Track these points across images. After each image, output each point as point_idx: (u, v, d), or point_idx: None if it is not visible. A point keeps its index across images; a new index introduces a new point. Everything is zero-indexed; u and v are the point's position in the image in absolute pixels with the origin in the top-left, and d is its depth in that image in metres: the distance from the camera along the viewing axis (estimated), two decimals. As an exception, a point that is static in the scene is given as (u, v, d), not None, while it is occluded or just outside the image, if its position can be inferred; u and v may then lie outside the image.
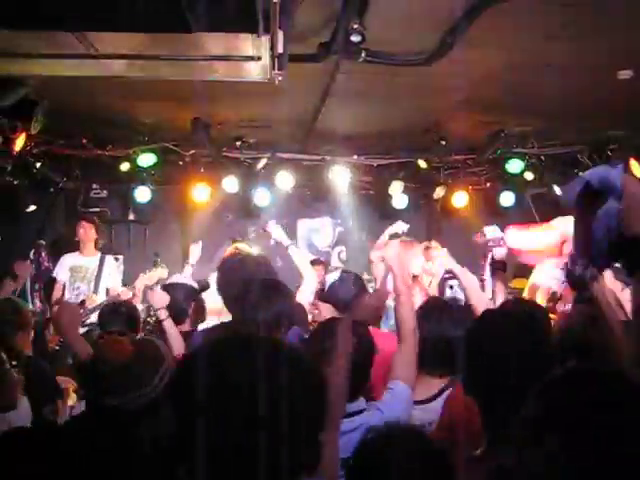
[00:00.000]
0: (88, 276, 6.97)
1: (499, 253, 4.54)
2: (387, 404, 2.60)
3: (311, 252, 7.08)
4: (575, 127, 6.87)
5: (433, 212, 8.71)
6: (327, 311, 3.87)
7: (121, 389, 2.02)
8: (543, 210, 8.13)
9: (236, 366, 1.24)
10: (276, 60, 3.61)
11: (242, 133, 7.27)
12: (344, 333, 2.11)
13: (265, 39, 3.32)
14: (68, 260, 7.05)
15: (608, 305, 2.58)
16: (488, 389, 2.20)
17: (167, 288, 4.31)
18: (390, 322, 4.02)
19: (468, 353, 2.35)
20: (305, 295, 4.21)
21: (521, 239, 4.52)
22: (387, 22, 4.16)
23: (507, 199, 8.19)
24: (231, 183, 7.88)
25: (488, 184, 8.49)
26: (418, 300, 4.77)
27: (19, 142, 5.80)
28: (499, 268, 4.58)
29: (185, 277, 4.82)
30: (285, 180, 7.88)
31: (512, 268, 5.94)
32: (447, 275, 4.51)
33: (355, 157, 8.02)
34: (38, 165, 7.07)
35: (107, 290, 6.92)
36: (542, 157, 7.78)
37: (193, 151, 7.62)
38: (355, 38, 4.03)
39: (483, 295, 4.19)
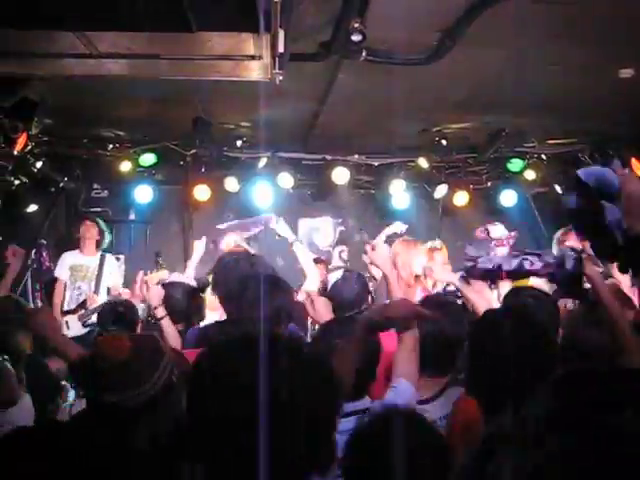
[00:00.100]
0: (89, 275, 6.97)
1: (502, 253, 4.54)
2: (391, 402, 2.60)
3: (312, 251, 7.07)
4: (576, 126, 6.87)
5: (434, 211, 8.70)
6: (323, 306, 3.87)
7: (120, 386, 2.01)
8: (544, 209, 8.16)
9: (249, 366, 1.23)
10: (277, 59, 3.62)
11: (243, 132, 7.27)
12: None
13: (266, 38, 3.32)
14: (68, 259, 7.05)
15: (615, 306, 2.57)
16: (490, 389, 2.20)
17: (165, 287, 4.31)
18: None
19: (470, 353, 2.35)
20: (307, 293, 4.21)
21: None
22: (387, 22, 4.16)
23: (508, 198, 8.18)
24: (232, 182, 7.89)
25: (489, 183, 8.48)
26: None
27: (20, 142, 5.80)
28: None
29: (186, 276, 4.82)
30: (286, 179, 7.88)
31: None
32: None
33: (356, 156, 8.01)
34: (39, 165, 7.07)
35: (108, 289, 6.92)
36: (543, 156, 7.78)
37: (194, 151, 7.62)
38: (356, 37, 4.03)
39: (490, 301, 4.17)
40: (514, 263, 3.36)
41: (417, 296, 5.09)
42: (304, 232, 8.61)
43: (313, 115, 6.43)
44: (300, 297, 4.11)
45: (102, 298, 6.69)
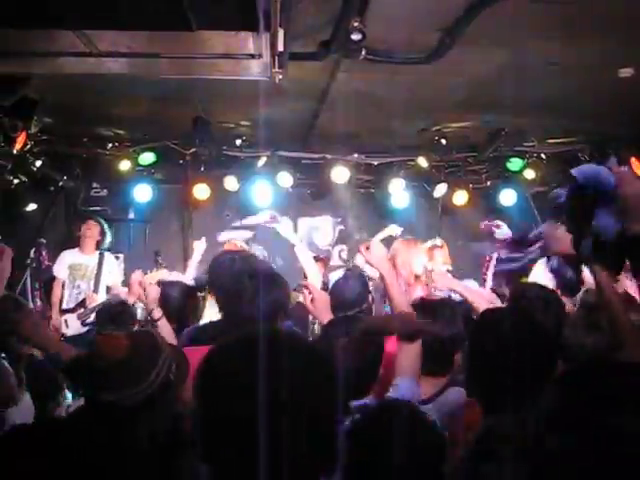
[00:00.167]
0: (88, 274, 6.97)
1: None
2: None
3: (311, 250, 7.07)
4: (576, 125, 6.87)
5: (434, 210, 8.70)
6: (322, 299, 3.87)
7: (118, 385, 2.01)
8: (544, 208, 8.15)
9: (255, 365, 1.23)
10: (276, 58, 3.61)
11: (242, 131, 7.27)
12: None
13: (266, 37, 3.32)
14: (67, 257, 7.05)
15: (619, 309, 2.57)
16: (490, 389, 2.20)
17: (162, 285, 4.30)
18: None
19: (470, 353, 2.35)
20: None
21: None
22: (387, 21, 4.16)
23: (508, 197, 8.18)
24: (231, 182, 7.89)
25: (489, 182, 8.48)
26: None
27: (19, 141, 5.80)
28: None
29: (187, 276, 4.82)
30: (285, 179, 7.88)
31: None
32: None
33: (355, 156, 8.01)
34: (38, 164, 7.06)
35: (107, 288, 6.92)
36: (543, 155, 7.78)
37: (193, 150, 7.62)
38: (355, 36, 4.03)
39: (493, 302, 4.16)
40: None
41: (417, 295, 5.11)
42: (304, 231, 8.61)
43: (313, 114, 6.42)
44: (301, 298, 4.11)
45: (101, 297, 6.69)
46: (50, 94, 5.49)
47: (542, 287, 3.40)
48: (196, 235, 7.75)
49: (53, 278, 6.97)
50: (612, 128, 6.86)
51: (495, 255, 4.92)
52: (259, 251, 6.17)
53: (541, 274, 4.64)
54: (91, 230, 7.06)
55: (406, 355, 2.74)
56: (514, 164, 7.82)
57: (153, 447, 1.99)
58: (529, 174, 7.86)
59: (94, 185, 8.18)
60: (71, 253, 7.09)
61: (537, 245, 4.65)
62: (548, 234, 2.81)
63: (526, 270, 4.69)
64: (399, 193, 8.20)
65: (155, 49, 3.62)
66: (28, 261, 6.91)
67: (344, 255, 8.32)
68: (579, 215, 2.13)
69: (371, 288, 4.70)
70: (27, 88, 5.08)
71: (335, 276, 4.07)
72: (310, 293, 3.54)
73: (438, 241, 6.25)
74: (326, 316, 3.30)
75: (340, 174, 7.88)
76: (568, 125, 6.88)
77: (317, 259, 6.86)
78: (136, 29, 3.32)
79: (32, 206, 7.46)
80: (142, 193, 7.87)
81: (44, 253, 7.11)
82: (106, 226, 7.23)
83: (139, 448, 1.98)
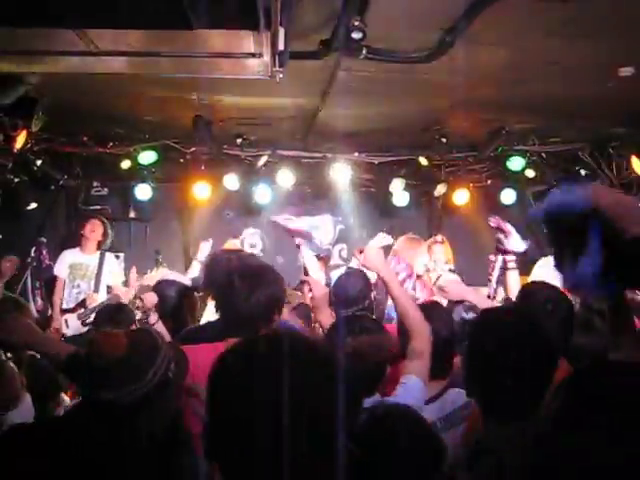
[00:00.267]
0: (89, 274, 6.97)
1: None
2: (400, 397, 2.61)
3: (312, 249, 7.06)
4: (576, 124, 6.86)
5: (434, 209, 8.71)
6: (321, 293, 3.87)
7: (116, 383, 2.01)
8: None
9: (265, 366, 1.23)
10: (277, 57, 3.61)
11: (243, 130, 7.26)
12: None
13: (266, 36, 3.32)
14: (68, 257, 7.05)
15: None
16: (489, 390, 2.19)
17: (159, 284, 4.30)
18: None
19: (469, 354, 2.35)
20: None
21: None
22: (388, 19, 4.15)
23: (508, 197, 8.18)
24: (232, 180, 7.88)
25: (489, 181, 8.48)
26: (422, 298, 4.76)
27: (20, 140, 5.80)
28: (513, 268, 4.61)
29: (189, 276, 4.82)
30: (286, 177, 7.88)
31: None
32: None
33: (356, 154, 8.01)
34: (39, 163, 7.06)
35: (108, 288, 6.92)
36: (543, 154, 7.77)
37: (194, 149, 7.62)
38: (356, 35, 4.03)
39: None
40: None
41: (419, 294, 5.10)
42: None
43: (313, 113, 6.42)
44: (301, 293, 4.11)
45: (102, 297, 6.68)
46: (50, 93, 5.49)
47: (550, 287, 3.36)
48: (196, 234, 7.77)
49: (54, 277, 6.98)
50: (612, 127, 6.86)
51: (500, 257, 4.92)
52: (254, 236, 6.16)
53: (546, 273, 4.63)
54: (96, 232, 7.05)
55: (415, 352, 2.74)
56: (514, 163, 7.81)
57: (152, 445, 1.99)
58: (529, 173, 7.86)
59: (95, 184, 8.19)
60: (72, 253, 7.09)
61: None
62: None
63: None
64: (399, 192, 8.20)
65: (155, 48, 3.61)
66: (29, 260, 6.92)
67: (344, 254, 8.32)
68: (557, 245, 2.11)
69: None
70: (27, 87, 5.08)
71: (336, 274, 4.06)
72: (310, 290, 3.54)
73: (439, 237, 6.25)
74: (325, 312, 3.30)
75: (340, 173, 7.88)
76: (568, 124, 6.88)
77: (318, 258, 6.87)
78: (136, 28, 3.32)
79: (32, 205, 7.46)
80: (142, 192, 7.87)
81: (45, 252, 7.11)
82: (109, 226, 7.23)
83: (138, 446, 1.98)
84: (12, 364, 3.17)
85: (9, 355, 3.19)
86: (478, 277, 5.59)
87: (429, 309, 3.20)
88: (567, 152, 7.64)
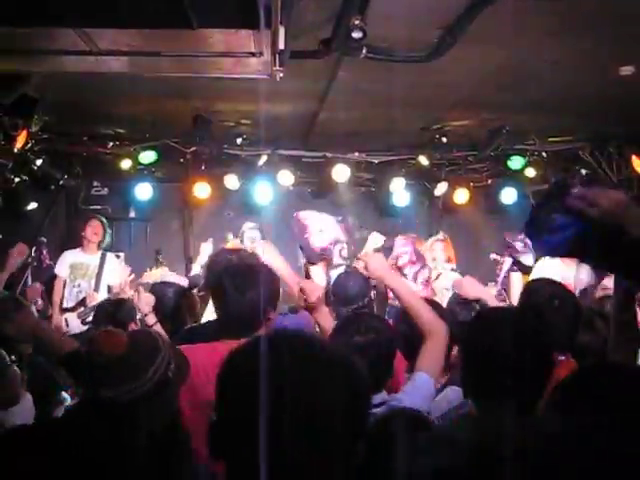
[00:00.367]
0: (89, 273, 6.97)
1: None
2: (408, 394, 2.61)
3: (312, 248, 7.08)
4: (577, 123, 6.86)
5: (434, 209, 8.71)
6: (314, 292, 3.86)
7: (116, 381, 2.02)
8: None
9: (271, 365, 1.23)
10: (277, 56, 3.60)
11: (243, 130, 7.26)
12: None
13: (266, 35, 3.31)
14: (69, 257, 7.05)
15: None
16: (486, 390, 2.19)
17: (157, 287, 4.29)
18: None
19: (466, 353, 2.35)
20: None
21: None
22: (388, 19, 4.16)
23: (508, 196, 8.18)
24: (232, 180, 7.89)
25: (489, 181, 8.48)
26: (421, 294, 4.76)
27: (20, 139, 5.80)
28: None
29: (181, 276, 4.82)
30: (286, 177, 7.88)
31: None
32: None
33: (356, 154, 8.01)
34: (39, 162, 7.06)
35: (108, 288, 6.92)
36: (544, 154, 7.77)
37: (194, 148, 7.62)
38: (356, 35, 4.03)
39: None
40: None
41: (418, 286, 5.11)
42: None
43: (313, 112, 6.42)
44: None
45: (102, 296, 6.68)
46: (50, 92, 5.48)
47: (554, 283, 3.35)
48: (197, 234, 7.78)
49: (55, 277, 6.97)
50: (613, 126, 6.86)
51: (508, 259, 4.96)
52: (253, 231, 6.17)
53: (547, 272, 4.64)
54: (97, 235, 7.05)
55: (429, 351, 2.75)
56: (515, 162, 7.82)
57: (152, 444, 2.00)
58: (530, 172, 7.85)
59: (95, 184, 8.19)
60: (73, 253, 7.09)
61: None
62: None
63: None
64: (400, 191, 8.20)
65: (155, 47, 3.61)
66: (29, 260, 6.91)
67: (345, 253, 8.32)
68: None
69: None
70: (27, 86, 5.08)
71: (336, 273, 4.07)
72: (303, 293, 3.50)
73: (440, 234, 6.26)
74: (322, 311, 3.28)
75: (341, 172, 7.88)
76: (569, 123, 6.88)
77: (320, 259, 6.87)
78: (136, 27, 3.31)
79: (33, 205, 7.46)
80: (143, 192, 7.88)
81: (45, 252, 7.11)
82: (106, 224, 7.22)
83: (138, 444, 1.98)
84: (15, 367, 3.18)
85: (13, 358, 3.19)
86: (478, 276, 5.58)
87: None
88: (567, 151, 7.65)
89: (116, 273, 7.11)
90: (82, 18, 3.16)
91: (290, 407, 1.20)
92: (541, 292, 3.17)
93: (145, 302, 3.91)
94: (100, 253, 7.08)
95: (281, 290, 3.82)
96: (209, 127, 6.78)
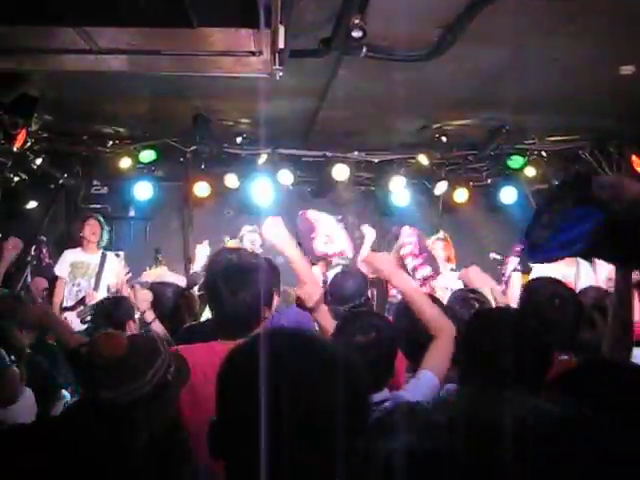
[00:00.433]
0: (89, 272, 6.96)
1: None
2: (409, 391, 2.61)
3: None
4: (577, 122, 6.86)
5: (434, 208, 8.70)
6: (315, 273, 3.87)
7: (116, 382, 2.02)
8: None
9: (270, 364, 1.23)
10: (277, 55, 3.61)
11: (243, 129, 7.26)
12: None
13: (266, 34, 3.32)
14: (69, 256, 7.05)
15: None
16: (484, 387, 2.19)
17: (155, 287, 4.29)
18: None
19: (464, 353, 2.35)
20: None
21: None
22: (388, 18, 4.16)
23: (508, 195, 8.18)
24: (232, 179, 7.88)
25: (489, 180, 8.48)
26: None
27: (20, 138, 5.80)
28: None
29: (179, 276, 4.82)
30: (286, 176, 7.87)
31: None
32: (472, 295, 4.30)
33: (356, 153, 8.01)
34: (38, 161, 7.05)
35: (108, 287, 6.92)
36: (543, 153, 7.77)
37: (194, 147, 7.61)
38: (356, 34, 4.03)
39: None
40: None
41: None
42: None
43: (313, 112, 6.42)
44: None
45: (102, 295, 6.68)
46: (50, 91, 5.48)
47: (555, 282, 3.34)
48: (196, 233, 7.77)
49: (55, 277, 6.97)
50: (613, 125, 6.85)
51: (514, 259, 4.97)
52: (252, 234, 6.17)
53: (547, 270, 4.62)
54: (95, 235, 7.04)
55: (436, 350, 2.74)
56: (515, 162, 7.81)
57: (151, 446, 2.00)
58: (530, 172, 7.84)
59: (94, 183, 8.18)
60: (73, 252, 7.08)
61: None
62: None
63: None
64: (400, 191, 8.19)
65: (155, 46, 3.61)
66: (28, 259, 6.91)
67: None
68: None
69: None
70: (27, 85, 5.08)
71: (333, 272, 4.07)
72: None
73: (441, 233, 6.26)
74: (321, 310, 3.27)
75: (341, 172, 7.87)
76: (569, 122, 6.88)
77: (320, 259, 6.87)
78: (136, 26, 3.32)
79: (32, 204, 7.46)
80: (142, 191, 7.87)
81: (44, 251, 7.10)
82: (104, 223, 7.21)
83: (137, 445, 1.98)
84: (15, 367, 3.18)
85: (12, 358, 3.19)
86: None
87: None
88: (567, 150, 7.64)
89: (116, 272, 7.13)
90: (82, 17, 3.17)
91: (290, 406, 1.20)
92: (542, 291, 3.16)
93: (142, 299, 3.90)
94: (100, 252, 7.08)
95: (282, 289, 3.83)
96: (209, 126, 6.78)
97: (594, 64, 4.94)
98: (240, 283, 2.80)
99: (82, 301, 6.65)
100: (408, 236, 5.22)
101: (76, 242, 7.17)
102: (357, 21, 3.97)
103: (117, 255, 7.53)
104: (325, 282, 4.75)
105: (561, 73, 5.14)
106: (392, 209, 8.37)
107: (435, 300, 3.42)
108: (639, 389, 1.33)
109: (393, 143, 7.87)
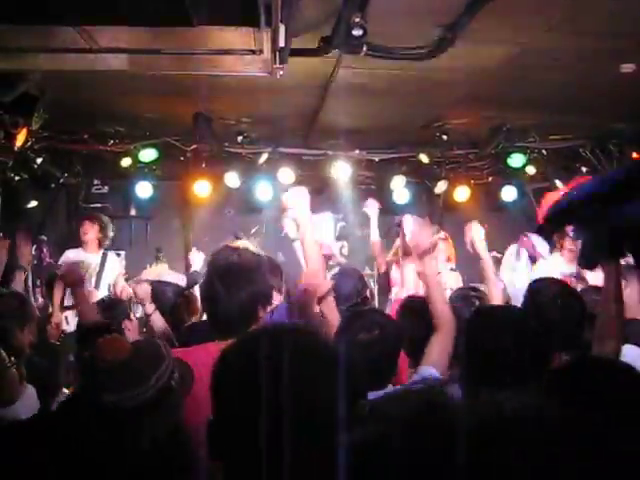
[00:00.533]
0: (90, 272, 6.96)
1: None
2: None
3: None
4: (577, 121, 6.86)
5: (435, 207, 8.70)
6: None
7: (119, 386, 2.02)
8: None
9: (264, 364, 1.23)
10: (277, 54, 3.61)
11: (243, 128, 7.26)
12: None
13: (267, 33, 3.32)
14: (70, 256, 7.04)
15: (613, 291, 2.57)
16: (486, 386, 2.19)
17: (154, 286, 4.29)
18: None
19: (466, 351, 2.35)
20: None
21: None
22: (388, 16, 4.15)
23: (509, 194, 8.18)
24: (233, 178, 7.88)
25: (490, 178, 8.48)
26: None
27: (20, 137, 5.79)
28: None
29: (179, 275, 4.82)
30: (287, 175, 7.87)
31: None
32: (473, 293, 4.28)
33: (357, 152, 8.01)
34: (39, 161, 7.05)
35: (109, 286, 6.92)
36: (544, 151, 7.77)
37: (194, 146, 7.61)
38: (356, 32, 4.02)
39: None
40: None
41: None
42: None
43: (314, 110, 6.42)
44: None
45: (102, 294, 6.68)
46: (50, 90, 5.48)
47: (557, 282, 3.34)
48: (197, 232, 7.77)
49: (55, 276, 6.96)
50: (613, 124, 6.85)
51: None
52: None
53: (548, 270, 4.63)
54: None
55: (437, 345, 2.75)
56: (515, 160, 7.81)
57: (154, 450, 2.00)
58: (530, 170, 7.85)
59: (95, 182, 8.18)
60: (74, 252, 7.08)
61: None
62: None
63: None
64: (400, 189, 8.19)
65: (156, 45, 3.61)
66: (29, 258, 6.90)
67: (345, 251, 8.33)
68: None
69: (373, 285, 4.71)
70: (28, 84, 5.07)
71: (331, 272, 4.07)
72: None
73: (441, 233, 6.26)
74: (327, 301, 3.27)
75: (341, 170, 7.88)
76: (569, 121, 6.87)
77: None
78: (137, 25, 3.31)
79: (33, 203, 7.45)
80: (143, 190, 7.87)
81: (45, 250, 7.10)
82: (105, 222, 7.19)
83: (140, 450, 1.98)
84: (14, 369, 3.18)
85: (12, 359, 3.19)
86: (478, 274, 5.57)
87: (423, 304, 3.21)
88: (568, 149, 7.64)
89: (116, 271, 7.13)
90: (82, 16, 3.17)
91: (292, 405, 1.20)
92: (545, 291, 3.16)
93: (143, 291, 3.90)
94: (101, 252, 7.08)
95: (284, 287, 3.82)
96: (209, 125, 6.78)
97: (594, 62, 4.94)
98: (236, 281, 2.79)
99: (82, 300, 6.65)
100: (411, 225, 5.20)
101: (77, 240, 7.17)
102: (357, 19, 3.96)
103: (118, 254, 7.54)
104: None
105: (561, 71, 5.14)
106: (393, 208, 8.36)
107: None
108: (629, 386, 1.33)
109: (394, 142, 7.87)
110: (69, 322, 6.56)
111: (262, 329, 1.45)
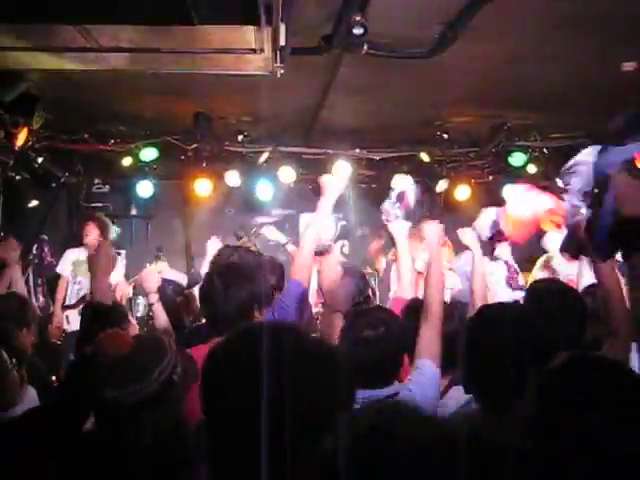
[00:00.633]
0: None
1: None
2: (418, 385, 2.61)
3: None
4: (578, 120, 6.85)
5: (435, 206, 8.69)
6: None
7: (121, 381, 2.01)
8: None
9: (256, 362, 1.22)
10: (278, 53, 3.61)
11: (244, 127, 7.26)
12: None
13: (267, 32, 3.32)
14: (71, 255, 7.05)
15: (618, 298, 2.58)
16: (488, 387, 2.18)
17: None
18: None
19: (467, 351, 2.34)
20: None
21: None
22: (389, 15, 4.15)
23: (510, 192, 8.16)
24: (233, 177, 7.89)
25: (491, 177, 8.47)
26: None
27: (21, 137, 5.79)
28: None
29: (180, 273, 4.81)
30: (287, 174, 7.87)
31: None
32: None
33: (357, 151, 8.00)
34: (40, 160, 7.06)
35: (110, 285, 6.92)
36: (545, 150, 7.76)
37: (195, 145, 7.60)
38: (357, 31, 4.02)
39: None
40: None
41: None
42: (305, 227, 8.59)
43: (314, 109, 6.41)
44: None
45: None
46: (51, 90, 5.48)
47: (559, 282, 3.34)
48: (198, 231, 7.76)
49: (58, 276, 6.97)
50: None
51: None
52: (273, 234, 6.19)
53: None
54: (89, 236, 7.02)
55: (428, 335, 2.75)
56: (516, 159, 7.80)
57: (156, 445, 1.99)
58: (531, 169, 7.84)
59: (96, 181, 8.18)
60: (75, 251, 7.08)
61: None
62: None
63: None
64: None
65: (156, 44, 3.61)
66: (30, 257, 6.91)
67: (345, 250, 8.32)
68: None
69: (374, 284, 4.71)
70: (28, 84, 5.07)
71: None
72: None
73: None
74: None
75: (342, 169, 7.87)
76: (570, 120, 6.87)
77: (323, 253, 6.86)
78: (137, 24, 3.32)
79: (34, 202, 7.45)
80: (144, 189, 7.87)
81: (46, 249, 7.11)
82: (107, 224, 7.18)
83: (142, 445, 1.98)
84: (15, 372, 3.18)
85: (14, 361, 3.19)
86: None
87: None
88: (569, 148, 7.62)
89: (117, 271, 7.13)
90: (83, 15, 3.17)
91: (278, 403, 1.19)
92: (546, 291, 3.17)
93: (149, 280, 3.87)
94: (102, 252, 7.07)
95: (286, 285, 3.82)
96: (210, 124, 6.78)
97: (595, 60, 4.93)
98: (234, 280, 2.80)
99: (83, 299, 6.66)
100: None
101: (78, 240, 7.17)
102: (358, 18, 3.96)
103: (118, 254, 7.53)
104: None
105: (562, 70, 5.13)
106: (393, 207, 8.35)
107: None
108: (626, 386, 1.33)
109: (394, 140, 7.87)
110: (70, 321, 6.57)
111: (247, 327, 1.44)
